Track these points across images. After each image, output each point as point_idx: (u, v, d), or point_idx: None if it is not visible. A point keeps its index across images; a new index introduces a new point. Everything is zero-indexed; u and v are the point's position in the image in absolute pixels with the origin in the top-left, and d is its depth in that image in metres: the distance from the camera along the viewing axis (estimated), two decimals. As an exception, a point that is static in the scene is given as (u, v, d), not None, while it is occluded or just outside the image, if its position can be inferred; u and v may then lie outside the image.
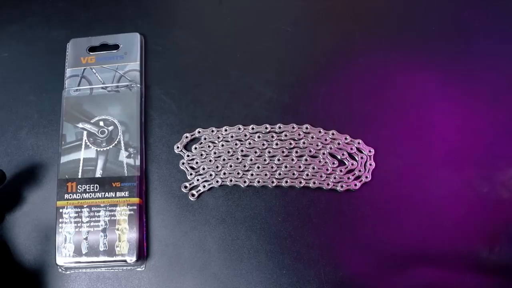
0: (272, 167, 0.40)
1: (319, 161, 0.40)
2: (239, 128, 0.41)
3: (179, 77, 0.44)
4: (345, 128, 0.41)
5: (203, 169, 0.41)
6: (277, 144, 0.41)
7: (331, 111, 0.42)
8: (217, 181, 0.40)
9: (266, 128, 0.41)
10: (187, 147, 0.42)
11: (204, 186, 0.40)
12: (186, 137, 0.41)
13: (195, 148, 0.41)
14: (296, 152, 0.41)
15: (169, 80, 0.44)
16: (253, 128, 0.41)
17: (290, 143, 0.41)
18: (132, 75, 0.43)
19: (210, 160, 0.41)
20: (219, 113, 0.42)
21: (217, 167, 0.41)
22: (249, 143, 0.41)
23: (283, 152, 0.41)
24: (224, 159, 0.41)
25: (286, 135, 0.41)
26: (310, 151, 0.41)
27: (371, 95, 0.42)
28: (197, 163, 0.41)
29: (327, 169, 0.40)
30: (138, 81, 0.43)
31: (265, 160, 0.41)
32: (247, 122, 0.42)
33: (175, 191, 0.41)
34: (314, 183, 0.40)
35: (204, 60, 0.44)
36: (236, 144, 0.41)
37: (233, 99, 0.43)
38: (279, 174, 0.40)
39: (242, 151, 0.41)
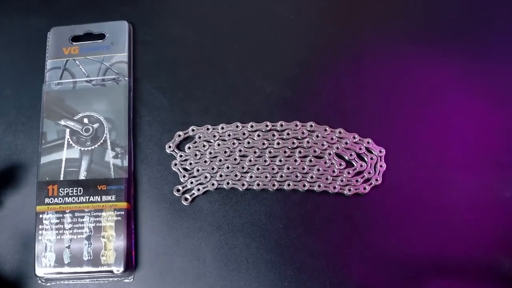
0: (273, 169, 0.40)
1: (325, 162, 0.40)
2: (237, 126, 0.41)
3: (171, 70, 0.43)
4: (353, 126, 0.41)
5: (198, 170, 0.40)
6: (278, 143, 0.40)
7: (338, 107, 0.42)
8: (213, 184, 0.40)
9: (267, 125, 0.41)
10: (179, 146, 0.41)
11: (198, 190, 0.40)
12: (179, 135, 0.41)
13: (189, 148, 0.41)
14: (300, 152, 0.40)
15: (160, 73, 0.43)
16: (252, 126, 0.41)
17: (293, 143, 0.40)
18: (119, 67, 0.42)
19: (205, 161, 0.40)
20: (215, 109, 0.42)
21: (213, 168, 0.40)
22: (248, 142, 0.40)
23: (285, 152, 0.40)
24: (220, 160, 0.40)
25: (288, 134, 0.40)
26: (314, 151, 0.40)
27: (382, 89, 0.42)
28: (190, 164, 0.40)
29: (334, 171, 0.40)
30: (126, 74, 0.42)
31: (265, 161, 0.40)
32: (246, 119, 0.41)
33: (167, 195, 0.40)
34: (319, 186, 0.39)
35: (198, 51, 0.44)
36: (233, 144, 0.40)
37: (231, 94, 0.42)
38: (281, 176, 0.40)
39: (240, 151, 0.40)
